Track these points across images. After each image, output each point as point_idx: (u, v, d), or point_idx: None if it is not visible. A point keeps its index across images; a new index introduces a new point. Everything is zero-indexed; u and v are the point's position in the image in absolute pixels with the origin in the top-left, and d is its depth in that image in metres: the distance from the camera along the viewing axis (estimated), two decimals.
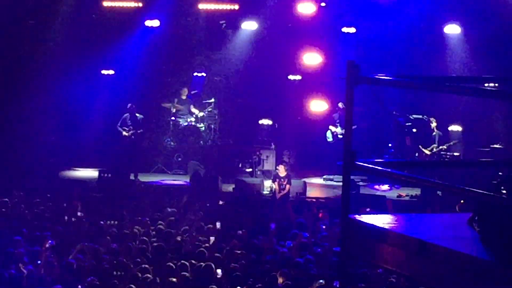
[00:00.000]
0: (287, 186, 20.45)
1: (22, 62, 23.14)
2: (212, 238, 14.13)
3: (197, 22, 25.10)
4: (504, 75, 19.40)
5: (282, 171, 20.78)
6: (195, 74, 25.35)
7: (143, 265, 12.10)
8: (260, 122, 24.60)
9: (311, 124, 25.08)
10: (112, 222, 15.41)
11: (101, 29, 24.16)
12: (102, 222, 15.40)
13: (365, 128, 22.75)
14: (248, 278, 11.81)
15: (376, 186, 21.73)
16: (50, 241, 12.95)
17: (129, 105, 22.88)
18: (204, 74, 25.35)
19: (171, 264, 12.17)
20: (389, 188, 21.65)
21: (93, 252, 12.87)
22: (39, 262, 12.26)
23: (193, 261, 12.37)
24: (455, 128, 23.15)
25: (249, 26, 24.78)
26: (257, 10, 24.69)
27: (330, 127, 23.33)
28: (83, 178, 22.04)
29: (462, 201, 16.08)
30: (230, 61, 25.58)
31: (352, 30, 24.46)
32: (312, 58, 24.03)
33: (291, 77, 25.17)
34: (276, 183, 20.58)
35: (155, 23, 24.48)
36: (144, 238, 13.84)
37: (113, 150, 22.82)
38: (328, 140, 23.30)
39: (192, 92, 24.62)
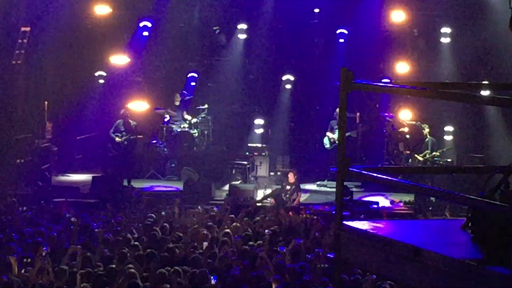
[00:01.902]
0: (299, 194, 20.43)
1: (16, 67, 23.09)
2: (205, 244, 14.09)
3: (190, 27, 25.16)
4: (496, 81, 19.49)
5: (291, 178, 20.72)
6: (189, 75, 25.29)
7: (135, 271, 12.05)
8: (254, 127, 24.59)
9: (304, 130, 25.15)
10: (105, 228, 15.35)
11: (94, 33, 24.14)
12: (96, 229, 15.35)
13: (358, 134, 22.82)
14: (241, 284, 11.79)
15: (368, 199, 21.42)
16: (44, 248, 12.90)
17: (122, 111, 22.85)
18: (195, 75, 25.31)
19: (164, 271, 12.13)
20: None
21: (85, 258, 12.83)
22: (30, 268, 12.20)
23: (186, 268, 12.33)
24: (448, 134, 23.20)
25: (243, 31, 24.86)
26: (250, 14, 24.79)
27: (328, 133, 23.28)
28: (76, 183, 21.99)
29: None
30: (224, 67, 25.62)
31: (344, 36, 24.60)
32: None
33: (284, 83, 25.19)
34: (272, 199, 20.44)
35: (148, 25, 24.52)
36: (137, 244, 13.80)
37: (107, 156, 22.79)
38: (326, 147, 23.26)
39: (186, 98, 24.61)
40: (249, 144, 24.14)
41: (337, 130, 22.75)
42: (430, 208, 18.65)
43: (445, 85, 6.54)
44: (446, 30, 23.80)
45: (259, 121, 24.65)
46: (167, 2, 24.58)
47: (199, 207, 18.13)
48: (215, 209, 17.95)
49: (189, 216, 16.94)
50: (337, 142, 22.41)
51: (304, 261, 13.03)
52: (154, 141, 24.09)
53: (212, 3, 24.91)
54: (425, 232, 5.76)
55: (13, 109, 22.76)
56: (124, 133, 22.57)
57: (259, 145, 23.97)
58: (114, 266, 12.26)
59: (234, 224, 15.82)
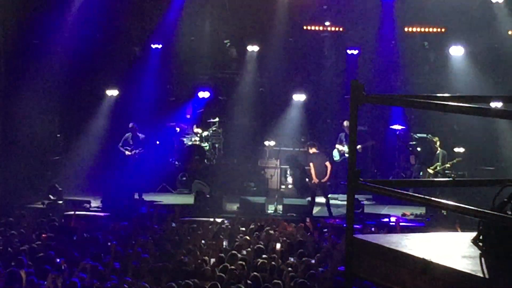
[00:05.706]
0: None
1: (27, 81, 23.18)
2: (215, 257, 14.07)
3: (201, 41, 25.22)
4: (508, 94, 19.45)
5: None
6: (199, 94, 25.32)
7: (146, 285, 12.05)
8: (265, 142, 24.57)
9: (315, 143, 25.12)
10: (116, 241, 15.35)
11: (107, 48, 24.25)
12: (106, 242, 15.36)
13: (369, 147, 22.81)
14: None
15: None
16: (58, 260, 12.90)
17: (131, 124, 22.84)
18: (208, 94, 25.32)
19: (175, 284, 12.11)
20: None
21: (96, 271, 12.82)
22: (43, 282, 12.20)
23: (196, 281, 12.32)
24: (458, 146, 23.12)
25: (254, 44, 24.93)
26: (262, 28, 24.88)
27: (337, 146, 23.29)
28: (87, 197, 21.99)
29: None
30: (235, 80, 25.66)
31: (355, 51, 24.63)
32: None
33: (295, 96, 25.17)
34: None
35: (159, 43, 24.67)
36: (148, 257, 13.80)
37: (117, 169, 22.81)
38: (335, 159, 23.26)
39: (197, 112, 24.67)
40: (260, 157, 24.15)
41: (345, 143, 22.90)
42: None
43: (456, 98, 6.52)
44: (457, 42, 23.79)
45: (270, 134, 24.63)
46: (178, 15, 24.65)
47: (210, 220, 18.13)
48: (226, 222, 17.93)
49: (199, 229, 16.93)
50: (346, 154, 22.60)
51: (315, 274, 12.99)
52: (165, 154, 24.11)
53: (223, 17, 24.97)
54: (435, 245, 5.74)
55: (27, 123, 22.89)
56: (133, 146, 22.60)
57: (270, 158, 23.97)
58: (126, 278, 12.26)
59: (244, 237, 15.81)
